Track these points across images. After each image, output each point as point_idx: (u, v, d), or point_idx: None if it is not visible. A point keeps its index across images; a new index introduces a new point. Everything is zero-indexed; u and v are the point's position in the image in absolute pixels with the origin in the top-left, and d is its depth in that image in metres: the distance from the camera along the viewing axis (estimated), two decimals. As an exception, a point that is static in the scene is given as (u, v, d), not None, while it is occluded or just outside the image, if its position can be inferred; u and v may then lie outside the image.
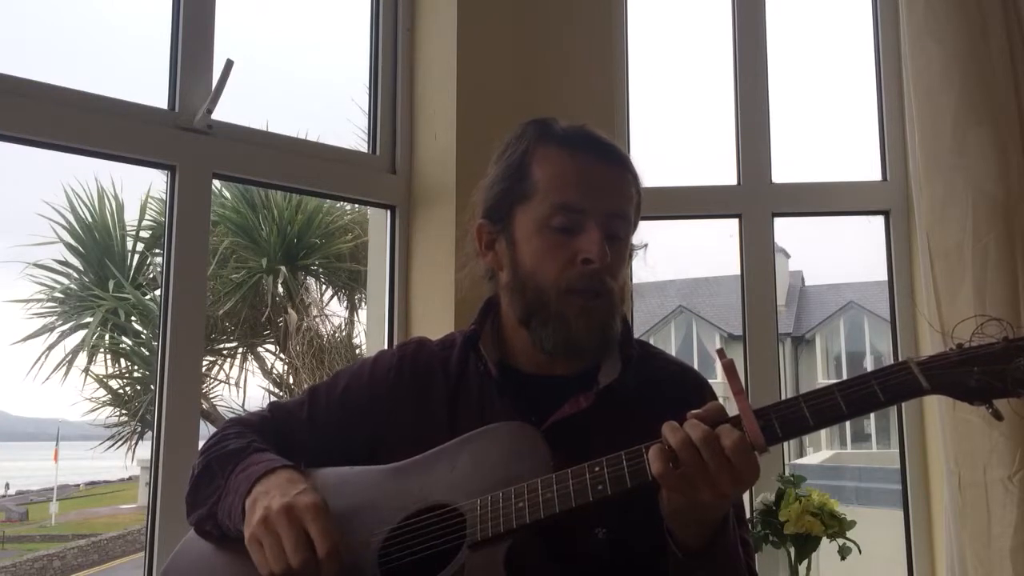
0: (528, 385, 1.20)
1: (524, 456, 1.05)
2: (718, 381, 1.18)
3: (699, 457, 0.94)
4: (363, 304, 6.67)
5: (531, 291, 1.17)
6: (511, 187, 1.20)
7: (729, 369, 1.00)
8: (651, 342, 1.37)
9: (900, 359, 0.97)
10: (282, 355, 6.53)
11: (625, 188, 1.21)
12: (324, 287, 6.80)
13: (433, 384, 1.23)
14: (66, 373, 5.87)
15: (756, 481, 0.97)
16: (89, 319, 6.01)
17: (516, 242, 1.20)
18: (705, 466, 0.94)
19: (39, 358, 5.78)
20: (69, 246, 6.10)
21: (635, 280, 1.25)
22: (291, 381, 6.45)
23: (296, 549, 0.99)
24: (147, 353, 6.07)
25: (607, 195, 1.18)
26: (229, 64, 1.93)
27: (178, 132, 1.90)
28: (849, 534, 2.02)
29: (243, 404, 6.28)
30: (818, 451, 9.64)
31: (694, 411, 0.98)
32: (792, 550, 2.03)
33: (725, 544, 1.03)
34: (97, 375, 6.07)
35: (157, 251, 6.10)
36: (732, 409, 0.99)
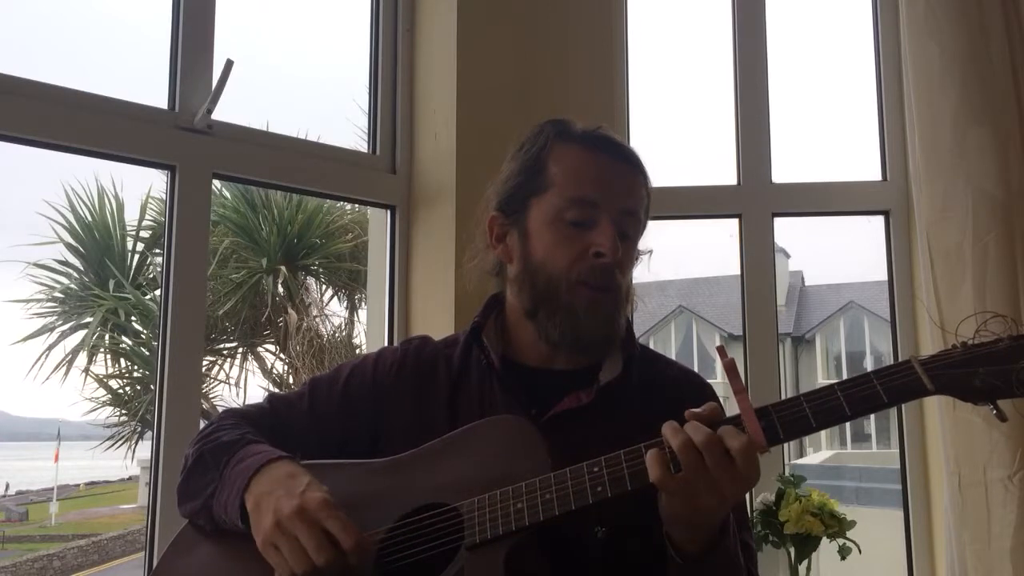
0: (530, 378, 1.21)
1: (522, 454, 1.05)
2: (719, 381, 1.18)
3: (701, 461, 0.93)
4: (363, 304, 6.68)
5: (542, 281, 1.18)
6: (527, 180, 1.22)
7: (730, 368, 0.99)
8: (651, 342, 1.37)
9: (902, 358, 0.95)
10: (282, 355, 6.54)
11: (638, 188, 1.22)
12: (324, 287, 6.81)
13: (435, 378, 1.24)
14: (66, 373, 5.89)
15: (758, 483, 0.96)
16: (89, 319, 6.02)
17: (529, 234, 1.20)
18: (707, 470, 0.93)
19: (39, 358, 5.81)
20: (69, 246, 6.12)
21: (635, 281, 1.26)
22: (291, 381, 6.45)
23: (320, 549, 0.99)
24: (147, 353, 6.08)
25: (622, 192, 1.20)
26: (229, 64, 1.93)
27: (178, 132, 1.90)
28: (849, 534, 2.02)
29: (243, 404, 6.28)
30: (818, 451, 9.64)
31: (693, 410, 0.98)
32: (792, 550, 2.03)
33: (726, 549, 1.03)
34: (97, 375, 6.09)
35: (157, 251, 6.11)
36: (733, 408, 0.98)
